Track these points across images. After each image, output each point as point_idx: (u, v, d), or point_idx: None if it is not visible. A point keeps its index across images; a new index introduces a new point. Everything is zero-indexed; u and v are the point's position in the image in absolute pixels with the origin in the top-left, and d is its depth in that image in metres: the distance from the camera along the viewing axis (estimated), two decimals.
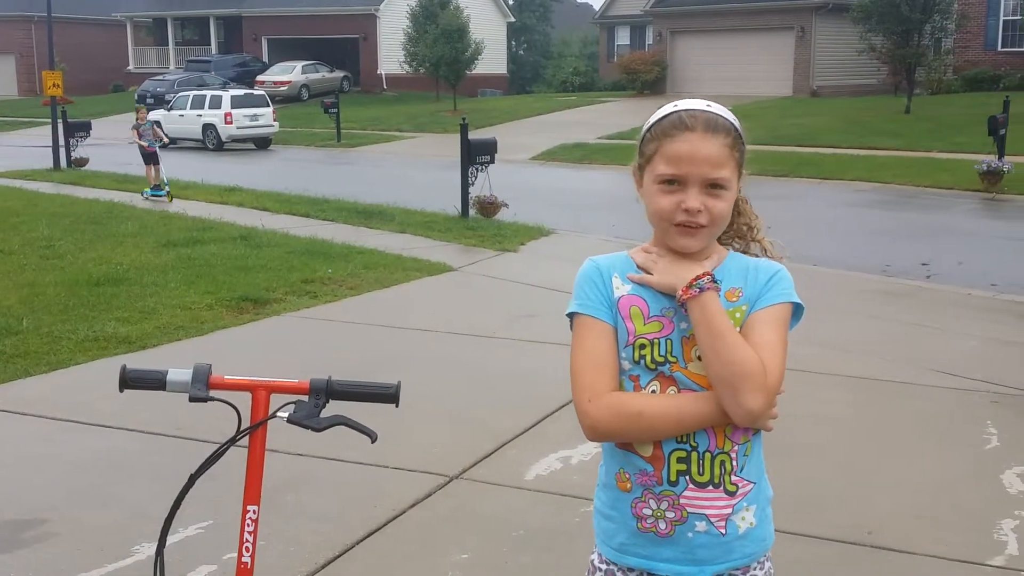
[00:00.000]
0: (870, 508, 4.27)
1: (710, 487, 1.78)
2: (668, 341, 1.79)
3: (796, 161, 20.28)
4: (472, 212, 12.98)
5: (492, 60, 40.94)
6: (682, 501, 1.77)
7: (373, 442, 1.97)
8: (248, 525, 1.93)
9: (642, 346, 1.79)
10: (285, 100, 39.50)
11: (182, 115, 28.80)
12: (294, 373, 2.15)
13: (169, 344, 6.60)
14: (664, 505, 1.78)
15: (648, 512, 1.79)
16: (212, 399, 1.92)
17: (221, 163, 23.86)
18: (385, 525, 3.98)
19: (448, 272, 9.44)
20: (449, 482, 4.43)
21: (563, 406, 5.25)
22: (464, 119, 13.82)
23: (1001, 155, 16.49)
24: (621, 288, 1.84)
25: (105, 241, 10.43)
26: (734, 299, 1.81)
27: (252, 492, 1.94)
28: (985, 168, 16.22)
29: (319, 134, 30.38)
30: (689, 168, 1.77)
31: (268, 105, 29.16)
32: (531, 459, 4.70)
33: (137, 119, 16.60)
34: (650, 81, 36.05)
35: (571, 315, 1.86)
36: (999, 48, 31.78)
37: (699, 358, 1.77)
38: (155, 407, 5.09)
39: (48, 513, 4.00)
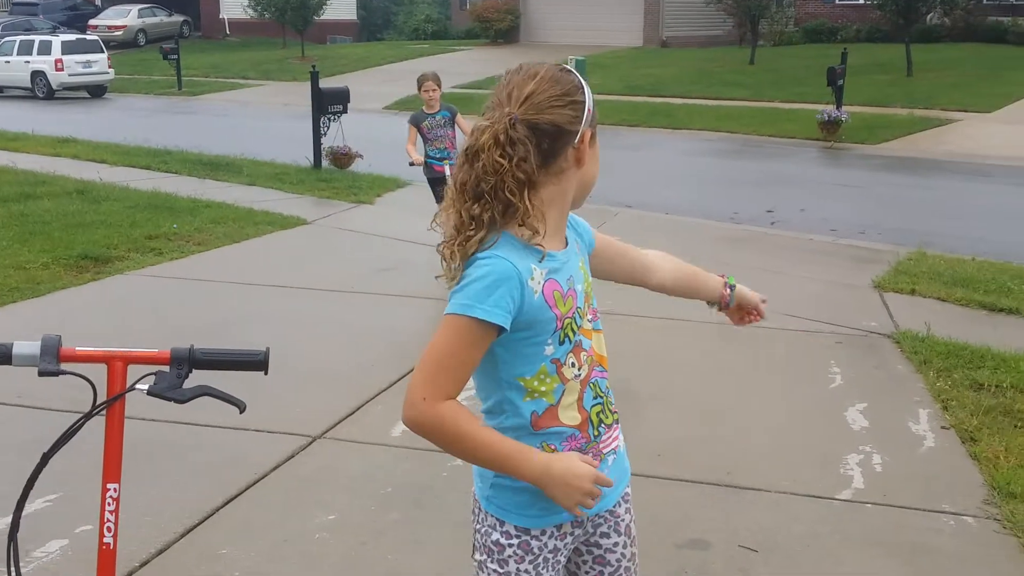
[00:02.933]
0: (728, 449, 4.42)
1: (614, 424, 1.90)
2: (579, 310, 1.81)
3: (648, 111, 20.66)
4: (325, 163, 12.67)
5: (341, 6, 39.80)
6: (600, 446, 1.86)
7: (241, 412, 1.88)
8: (109, 504, 1.82)
9: (567, 325, 1.78)
10: (121, 46, 37.45)
11: (8, 61, 26.92)
12: (144, 337, 2.04)
13: (2, 307, 6.19)
14: (589, 456, 1.81)
15: None
16: (64, 372, 1.78)
17: (53, 112, 22.47)
18: (246, 489, 3.87)
19: (302, 225, 9.19)
20: (312, 442, 4.34)
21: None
22: (314, 67, 13.43)
23: (839, 105, 17.21)
24: (538, 280, 1.72)
25: None
26: None
27: (112, 470, 1.83)
28: (825, 118, 16.90)
29: (158, 82, 28.98)
30: None
31: (102, 51, 27.56)
32: (396, 415, 4.63)
33: None
34: (504, 30, 35.86)
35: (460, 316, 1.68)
36: (837, 1, 33.15)
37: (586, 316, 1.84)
38: None
39: None
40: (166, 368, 1.84)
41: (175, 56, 27.56)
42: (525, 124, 1.69)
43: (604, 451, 1.86)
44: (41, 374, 1.78)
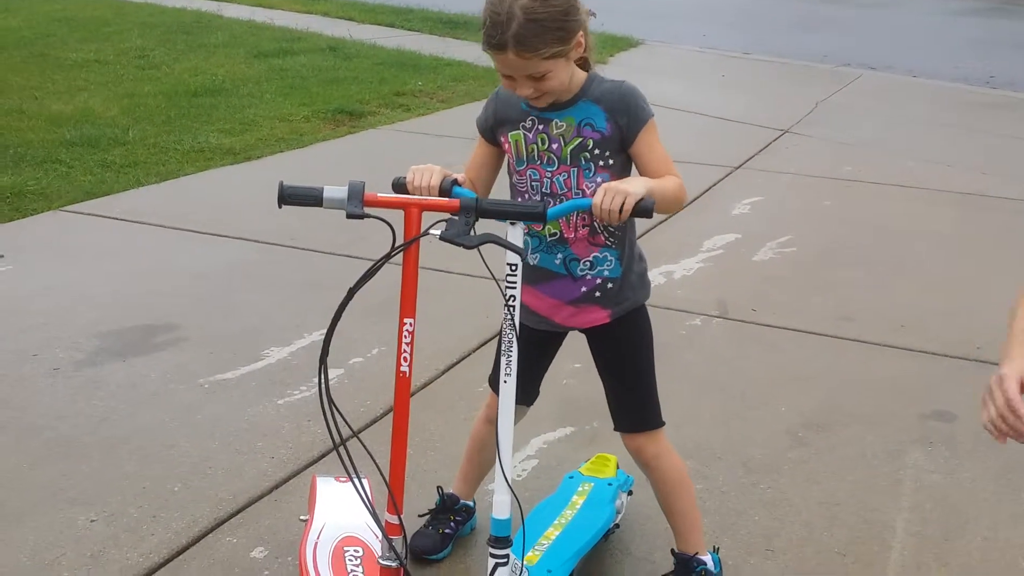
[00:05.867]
0: (977, 323, 4.27)
1: None
2: None
3: None
4: None
5: None
6: None
7: (523, 259, 2.02)
8: (405, 337, 2.01)
9: None
10: None
11: None
12: None
13: (272, 156, 6.73)
14: None
15: None
16: (368, 216, 1.97)
17: None
18: (496, 335, 4.12)
19: None
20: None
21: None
22: None
23: None
24: None
25: (197, 52, 10.45)
26: None
27: (408, 305, 2.02)
28: None
29: None
30: None
31: None
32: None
33: None
34: None
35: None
36: None
37: None
38: (268, 218, 5.26)
39: (177, 319, 4.20)
40: (455, 217, 2.01)
41: None
42: None
43: None
44: (349, 216, 1.98)
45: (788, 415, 3.52)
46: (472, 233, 1.99)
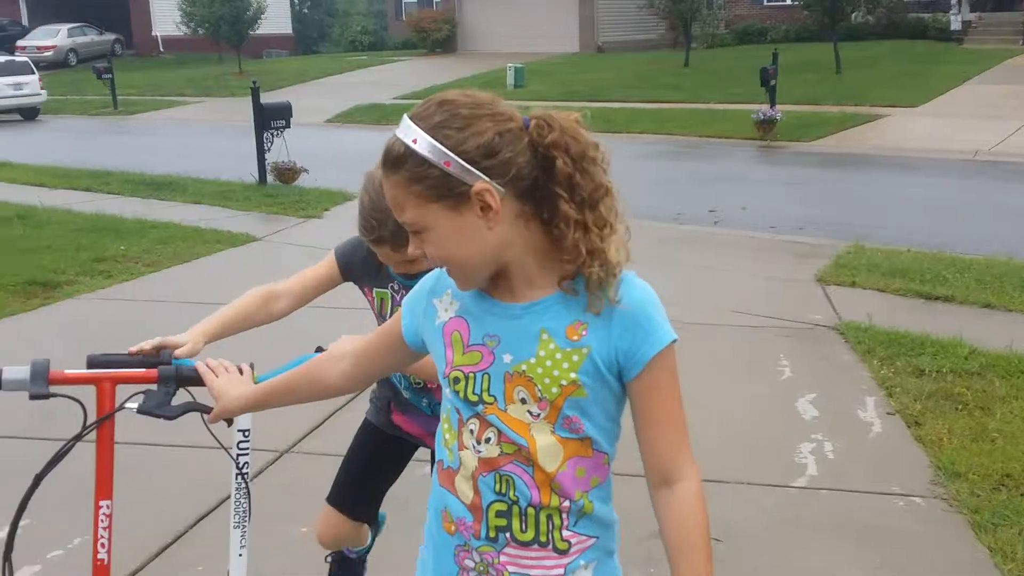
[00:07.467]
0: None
1: (533, 545, 1.52)
2: (485, 376, 1.51)
3: (589, 116, 20.81)
4: (270, 179, 12.64)
5: (276, 19, 39.54)
6: (501, 558, 1.53)
7: (229, 426, 1.94)
8: (102, 521, 1.87)
9: (456, 380, 1.53)
10: (51, 66, 36.79)
11: None
12: None
13: None
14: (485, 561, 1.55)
15: (471, 564, 1.56)
16: (55, 395, 1.84)
17: None
18: (217, 507, 3.90)
19: (252, 242, 9.18)
20: (280, 457, 4.38)
21: None
22: (255, 82, 13.38)
23: (773, 104, 17.58)
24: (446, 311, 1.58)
25: None
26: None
27: (104, 487, 1.88)
28: (760, 117, 17.26)
29: (93, 102, 28.54)
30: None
31: (33, 72, 27.03)
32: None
33: None
34: (441, 39, 35.99)
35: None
36: (765, 3, 33.84)
37: (522, 400, 1.48)
38: None
39: None
40: (154, 387, 1.90)
41: (109, 75, 27.13)
42: None
43: (507, 568, 1.52)
44: (32, 398, 1.83)
45: None
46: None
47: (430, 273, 1.62)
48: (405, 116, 1.45)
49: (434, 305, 1.58)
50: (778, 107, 17.51)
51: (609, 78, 26.47)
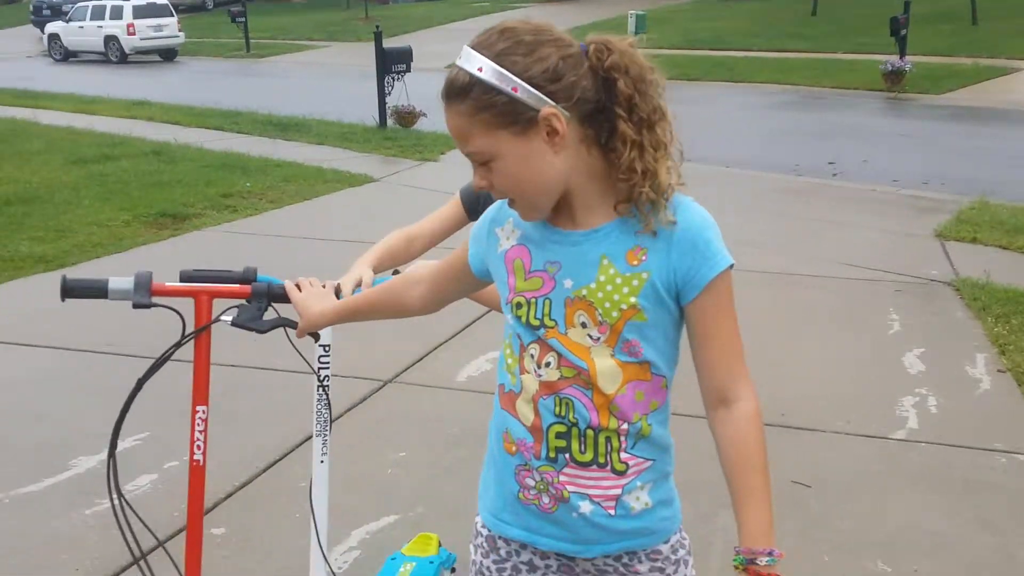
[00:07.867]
0: (783, 392, 4.51)
1: (592, 465, 1.54)
2: (547, 301, 1.53)
3: (709, 64, 20.43)
4: (390, 122, 12.86)
5: None
6: (561, 478, 1.55)
7: (316, 341, 2.04)
8: (198, 424, 2.00)
9: (518, 305, 1.55)
10: (189, 9, 38.09)
11: (82, 27, 27.60)
12: None
13: (88, 262, 6.51)
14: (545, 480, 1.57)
15: (531, 483, 1.58)
16: (155, 305, 1.96)
17: (126, 76, 23.01)
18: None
19: (370, 183, 9.41)
20: (383, 386, 4.55)
21: (490, 310, 5.38)
22: (378, 27, 13.58)
23: (903, 55, 16.86)
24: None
25: (10, 160, 10.10)
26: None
27: (200, 393, 2.01)
28: (888, 68, 16.58)
29: (227, 44, 29.43)
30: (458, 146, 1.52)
31: (172, 15, 28.07)
32: (462, 361, 4.84)
33: None
34: None
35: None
36: None
37: (583, 324, 1.50)
38: (83, 325, 5.09)
39: None
40: (247, 302, 2.02)
41: (243, 19, 27.92)
42: None
43: (566, 488, 1.54)
44: (135, 306, 1.96)
45: None
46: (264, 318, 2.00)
47: (492, 204, 1.64)
48: (466, 46, 1.45)
49: (496, 234, 1.61)
50: (908, 58, 16.78)
51: (732, 26, 25.77)
